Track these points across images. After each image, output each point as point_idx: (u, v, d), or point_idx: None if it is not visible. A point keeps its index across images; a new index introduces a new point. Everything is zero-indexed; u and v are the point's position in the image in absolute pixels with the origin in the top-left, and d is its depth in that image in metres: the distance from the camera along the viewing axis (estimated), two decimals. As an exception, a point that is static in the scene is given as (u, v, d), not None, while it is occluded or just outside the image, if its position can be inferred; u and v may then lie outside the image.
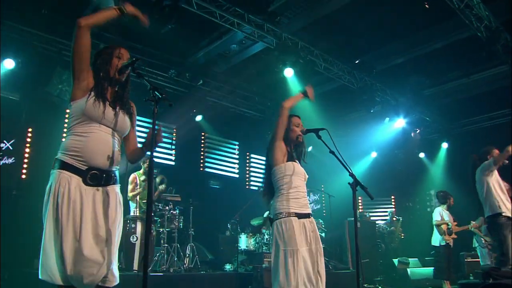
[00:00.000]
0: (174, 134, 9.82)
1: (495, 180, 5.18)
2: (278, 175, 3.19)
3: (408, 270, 8.93)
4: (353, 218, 9.44)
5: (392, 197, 12.72)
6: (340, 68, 8.73)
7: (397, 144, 11.09)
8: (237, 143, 11.15)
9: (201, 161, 10.39)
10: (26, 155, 7.24)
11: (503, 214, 5.00)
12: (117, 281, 2.41)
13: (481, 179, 5.24)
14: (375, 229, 9.77)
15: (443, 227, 7.33)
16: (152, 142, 2.44)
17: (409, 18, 7.32)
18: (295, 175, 3.14)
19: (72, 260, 2.25)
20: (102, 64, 2.56)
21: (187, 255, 6.88)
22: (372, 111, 9.60)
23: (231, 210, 8.51)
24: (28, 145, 7.30)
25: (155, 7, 6.12)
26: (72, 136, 2.43)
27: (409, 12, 7.11)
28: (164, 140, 9.61)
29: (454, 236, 7.40)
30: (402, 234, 10.71)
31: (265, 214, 7.73)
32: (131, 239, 6.10)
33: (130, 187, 6.77)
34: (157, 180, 6.88)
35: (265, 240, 7.73)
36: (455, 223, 7.53)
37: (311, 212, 3.21)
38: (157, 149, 9.22)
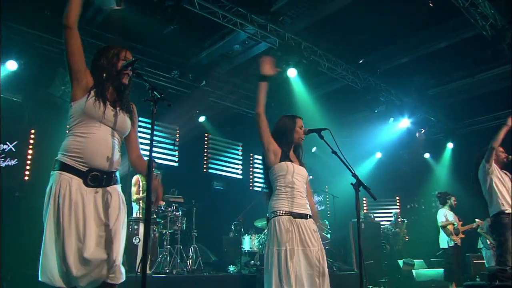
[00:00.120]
0: (177, 135, 9.80)
1: (496, 178, 5.11)
2: (273, 175, 3.17)
3: (413, 271, 8.86)
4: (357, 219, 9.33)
5: (397, 198, 12.65)
6: (343, 68, 8.67)
7: (401, 144, 11.02)
8: (240, 144, 11.12)
9: (205, 162, 10.36)
10: (29, 157, 7.25)
11: (506, 212, 4.94)
12: (123, 278, 2.39)
13: (482, 179, 5.19)
14: (379, 230, 9.70)
15: (449, 227, 7.26)
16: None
17: (413, 17, 7.25)
18: (290, 175, 3.10)
19: (77, 261, 2.23)
20: (105, 63, 2.53)
21: (190, 257, 6.85)
22: (376, 111, 9.53)
23: (235, 211, 8.47)
24: (31, 146, 7.30)
25: (157, 8, 6.10)
26: (72, 136, 2.40)
27: (413, 11, 7.05)
28: (167, 141, 9.59)
29: (461, 235, 7.33)
30: (407, 237, 10.63)
31: (268, 215, 7.68)
32: (133, 241, 6.08)
33: (133, 189, 6.76)
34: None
35: (268, 242, 7.67)
36: (461, 222, 7.46)
37: (309, 213, 3.14)
38: (160, 150, 9.33)
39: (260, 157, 11.17)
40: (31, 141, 7.33)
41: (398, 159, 11.68)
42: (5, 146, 6.93)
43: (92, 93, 2.42)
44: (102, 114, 2.41)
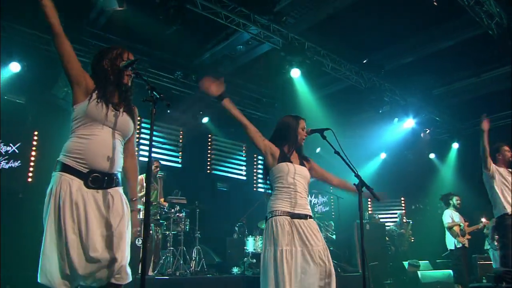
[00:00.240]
0: (181, 136, 9.79)
1: (499, 181, 5.06)
2: (272, 176, 3.16)
3: (419, 273, 8.76)
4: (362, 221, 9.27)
5: (402, 198, 12.56)
6: (347, 68, 8.62)
7: (406, 144, 10.94)
8: (244, 145, 11.08)
9: (208, 163, 10.34)
10: (32, 158, 7.26)
11: (509, 214, 4.89)
12: (129, 278, 2.36)
13: (486, 182, 5.14)
14: (384, 231, 9.63)
15: (456, 228, 7.18)
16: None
17: (418, 17, 7.20)
18: (289, 176, 3.07)
19: (82, 259, 2.22)
20: (107, 65, 2.51)
21: (193, 258, 6.82)
22: (380, 111, 9.48)
23: (239, 213, 8.45)
24: (34, 148, 7.32)
25: (160, 9, 6.09)
26: (74, 138, 2.38)
27: (418, 10, 6.99)
28: (171, 142, 9.59)
29: (468, 236, 7.24)
30: (412, 238, 10.54)
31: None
32: (136, 242, 6.05)
33: (137, 188, 6.72)
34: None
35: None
36: (467, 223, 7.38)
37: (309, 214, 3.10)
38: (164, 151, 9.31)
39: (264, 158, 11.21)
40: (34, 143, 7.35)
41: (403, 160, 11.60)
42: (8, 148, 6.95)
43: (94, 95, 2.41)
44: (104, 116, 2.39)
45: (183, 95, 9.11)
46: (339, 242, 9.09)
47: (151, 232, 6.44)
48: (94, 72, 2.53)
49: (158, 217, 6.71)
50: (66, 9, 6.70)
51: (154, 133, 8.83)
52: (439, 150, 11.56)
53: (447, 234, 7.33)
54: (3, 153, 6.89)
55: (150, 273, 6.29)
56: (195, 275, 6.52)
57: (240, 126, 3.22)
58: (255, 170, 11.28)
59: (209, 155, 10.39)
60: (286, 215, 3.00)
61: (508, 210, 4.87)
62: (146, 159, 2.34)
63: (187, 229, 6.98)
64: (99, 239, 2.26)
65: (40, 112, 7.28)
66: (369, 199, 12.07)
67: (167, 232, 6.64)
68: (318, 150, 9.89)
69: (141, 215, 6.67)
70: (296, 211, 3.03)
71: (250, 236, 7.74)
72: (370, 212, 11.54)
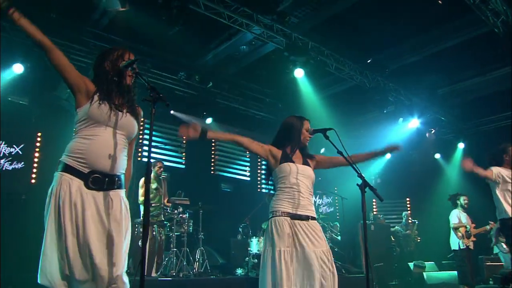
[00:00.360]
0: (184, 137, 9.75)
1: (502, 185, 4.99)
2: (275, 177, 3.18)
3: (424, 274, 8.68)
4: (367, 221, 9.23)
5: (407, 199, 12.46)
6: (351, 68, 8.56)
7: (411, 145, 10.84)
8: (248, 145, 11.02)
9: (212, 164, 10.31)
10: (36, 160, 7.27)
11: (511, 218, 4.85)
12: (127, 287, 2.33)
13: (490, 185, 5.08)
14: (389, 232, 9.55)
15: (461, 230, 7.10)
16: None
17: (422, 15, 7.13)
18: (292, 176, 3.07)
19: (80, 264, 2.20)
20: (109, 66, 2.50)
21: (197, 260, 6.80)
22: (385, 111, 9.43)
23: (243, 214, 8.41)
24: (37, 149, 7.33)
25: (162, 9, 6.07)
26: (77, 138, 2.38)
27: (422, 9, 6.93)
28: (173, 143, 9.57)
29: (473, 238, 7.16)
30: (418, 238, 10.46)
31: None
32: (139, 244, 6.03)
33: (140, 191, 6.76)
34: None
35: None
36: (473, 225, 7.29)
37: (311, 215, 3.08)
38: (167, 152, 9.29)
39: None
40: (38, 144, 7.36)
41: (408, 160, 11.49)
42: (11, 149, 6.96)
43: (96, 97, 2.40)
44: (107, 117, 2.38)
45: (186, 95, 9.10)
46: (344, 243, 9.04)
47: (154, 233, 6.42)
48: (96, 74, 2.52)
49: (162, 218, 6.69)
50: (68, 10, 6.78)
51: (158, 133, 8.83)
52: (444, 150, 11.46)
53: (452, 234, 7.27)
54: (7, 154, 6.90)
55: (154, 274, 6.27)
56: (198, 276, 6.50)
57: (235, 145, 3.26)
58: (259, 171, 11.24)
59: (213, 156, 10.37)
60: (286, 216, 3.00)
61: (509, 214, 4.83)
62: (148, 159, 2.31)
63: (191, 230, 6.95)
64: (95, 246, 2.23)
65: (44, 113, 7.29)
66: (373, 200, 12.05)
67: (170, 233, 6.62)
68: (322, 150, 9.80)
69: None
70: (297, 212, 3.02)
71: (254, 237, 7.70)
72: (375, 212, 11.46)
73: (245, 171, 10.96)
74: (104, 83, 2.46)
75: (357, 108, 10.44)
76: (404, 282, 8.75)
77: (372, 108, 9.69)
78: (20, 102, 7.18)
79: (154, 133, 8.95)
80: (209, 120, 9.47)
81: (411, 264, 9.13)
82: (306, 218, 3.04)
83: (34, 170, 7.23)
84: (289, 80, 8.60)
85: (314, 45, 7.78)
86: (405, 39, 7.94)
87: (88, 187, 2.31)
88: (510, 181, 4.89)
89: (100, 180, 2.34)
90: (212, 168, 10.28)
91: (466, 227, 7.13)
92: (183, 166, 9.56)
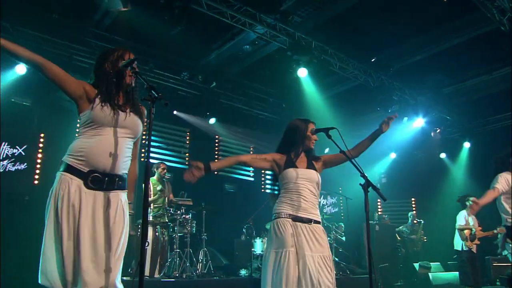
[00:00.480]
0: (188, 137, 9.74)
1: (506, 193, 4.90)
2: (279, 182, 3.21)
3: (430, 274, 8.62)
4: (372, 222, 9.19)
5: (413, 199, 12.38)
6: (355, 67, 8.49)
7: (416, 144, 10.78)
8: (251, 146, 11.00)
9: (216, 164, 10.25)
10: (39, 161, 7.27)
11: None
12: None
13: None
14: (394, 233, 9.48)
15: (466, 232, 7.02)
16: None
17: (427, 13, 7.06)
18: (293, 180, 3.09)
19: (71, 267, 2.18)
20: (110, 67, 2.48)
21: (200, 261, 6.76)
22: (390, 110, 9.35)
23: (247, 214, 8.37)
24: (40, 150, 7.32)
25: (164, 9, 6.04)
26: (80, 138, 2.37)
27: (427, 7, 6.86)
28: (176, 143, 9.55)
29: (477, 242, 7.07)
30: (425, 238, 10.37)
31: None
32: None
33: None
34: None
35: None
36: (480, 228, 7.20)
37: (314, 219, 3.07)
38: (170, 152, 9.27)
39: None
40: (41, 145, 7.35)
41: (413, 160, 11.44)
42: (14, 150, 6.95)
43: (97, 99, 2.38)
44: (111, 118, 2.36)
45: (190, 96, 9.08)
46: (348, 244, 8.98)
47: (157, 234, 6.39)
48: (97, 75, 2.50)
49: (166, 219, 6.66)
50: (70, 10, 6.77)
51: (161, 134, 8.77)
52: (450, 149, 11.37)
53: (456, 234, 7.20)
54: (10, 155, 6.89)
55: (156, 275, 6.24)
56: (201, 277, 6.46)
57: (240, 165, 3.39)
58: (262, 171, 11.18)
59: (216, 156, 10.33)
60: (288, 218, 3.02)
61: (509, 223, 4.76)
62: (152, 161, 2.29)
63: (194, 231, 6.92)
64: (85, 251, 2.19)
65: (46, 114, 7.29)
66: (378, 200, 11.97)
67: (174, 234, 6.58)
68: (326, 150, 9.78)
69: (149, 217, 6.67)
70: (298, 214, 3.03)
71: (258, 237, 7.66)
72: (379, 213, 11.37)
73: (249, 171, 10.91)
74: (104, 84, 2.44)
75: (361, 108, 10.37)
76: (409, 283, 8.69)
77: (376, 107, 9.62)
78: (23, 103, 7.18)
79: (157, 133, 8.97)
80: (212, 120, 9.45)
81: (416, 265, 9.07)
82: (308, 221, 3.04)
83: (37, 171, 7.22)
84: (292, 80, 8.56)
85: (317, 44, 7.72)
86: (409, 38, 7.87)
87: (87, 187, 2.29)
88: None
89: (100, 180, 2.32)
90: (215, 168, 10.23)
91: (471, 229, 7.05)
92: (186, 167, 9.52)
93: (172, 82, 8.61)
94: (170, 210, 6.65)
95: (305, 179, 3.10)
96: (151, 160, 7.37)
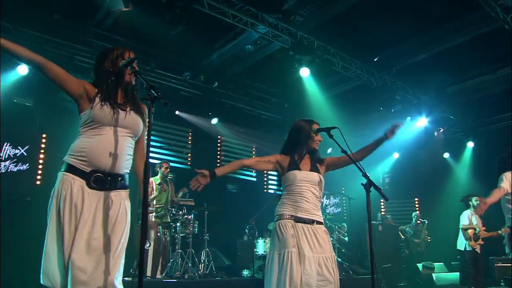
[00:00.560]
0: (190, 138, 9.73)
1: (509, 194, 4.86)
2: (282, 184, 3.24)
3: (433, 275, 8.57)
4: (374, 222, 9.14)
5: (416, 199, 12.32)
6: (358, 67, 8.45)
7: (420, 144, 10.73)
8: (254, 146, 10.97)
9: (218, 164, 10.24)
10: (41, 161, 7.26)
11: None
12: None
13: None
14: (397, 233, 9.43)
15: (470, 232, 6.97)
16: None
17: (430, 12, 7.01)
18: (295, 183, 3.12)
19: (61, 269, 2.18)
20: (109, 66, 2.48)
21: (202, 261, 6.74)
22: (392, 110, 9.32)
23: (249, 214, 8.35)
24: (42, 151, 7.31)
25: (165, 9, 6.03)
26: (81, 138, 2.37)
27: (430, 5, 6.81)
28: (179, 143, 9.53)
29: (481, 242, 7.02)
30: (429, 238, 10.32)
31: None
32: (145, 246, 5.99)
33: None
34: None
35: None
36: (484, 228, 7.15)
37: (316, 219, 3.09)
38: (172, 152, 9.26)
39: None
40: (43, 146, 7.34)
41: (416, 160, 11.39)
42: (16, 151, 6.95)
43: (97, 99, 2.38)
44: (110, 117, 2.35)
45: (192, 96, 9.06)
46: (351, 244, 8.95)
47: (158, 234, 6.38)
48: (96, 74, 2.50)
49: (168, 220, 6.65)
50: (72, 11, 6.77)
51: (163, 134, 8.75)
52: (453, 149, 11.32)
53: (460, 234, 7.16)
54: (11, 156, 6.89)
55: (158, 275, 6.23)
56: (203, 277, 6.45)
57: (246, 154, 3.39)
58: (265, 172, 11.17)
59: (218, 157, 10.31)
60: (289, 219, 3.04)
61: None
62: (154, 161, 2.29)
63: (196, 232, 6.90)
64: (82, 250, 2.18)
65: (48, 114, 7.28)
66: (381, 200, 11.92)
67: (176, 235, 6.57)
68: (329, 150, 9.74)
69: (151, 217, 6.68)
70: (300, 215, 3.04)
71: (260, 238, 7.65)
72: (382, 213, 11.33)
73: (251, 171, 10.88)
74: (104, 83, 2.44)
75: (364, 107, 10.34)
76: (412, 283, 8.64)
77: (379, 107, 9.58)
78: (25, 103, 7.18)
79: (159, 134, 8.96)
80: (214, 121, 9.43)
81: (420, 265, 9.02)
82: (311, 221, 3.05)
83: (39, 172, 7.22)
84: (294, 80, 8.54)
85: (319, 44, 7.69)
86: (412, 37, 7.82)
87: (90, 187, 2.28)
88: None
89: (102, 179, 2.31)
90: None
91: (475, 229, 7.00)
92: (188, 167, 9.52)
93: (174, 82, 8.60)
94: (172, 210, 6.64)
95: (307, 181, 3.11)
96: (154, 161, 7.37)
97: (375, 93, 9.07)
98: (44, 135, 7.39)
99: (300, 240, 2.95)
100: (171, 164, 8.52)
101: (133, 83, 2.53)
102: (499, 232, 7.12)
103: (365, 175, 2.84)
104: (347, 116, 9.38)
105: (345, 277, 7.28)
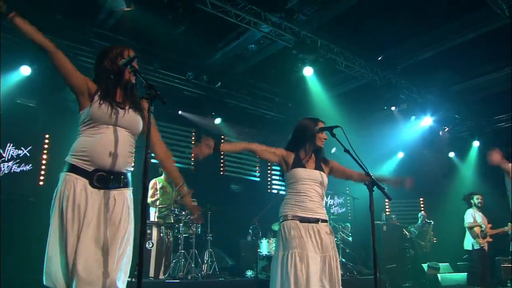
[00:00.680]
0: (193, 138, 9.70)
1: None
2: (286, 181, 3.24)
3: (439, 275, 8.51)
4: (379, 222, 9.06)
5: (421, 199, 12.24)
6: (362, 66, 8.40)
7: (424, 143, 10.65)
8: (258, 145, 10.92)
9: (221, 164, 10.23)
10: (43, 162, 7.26)
11: None
12: None
13: (507, 187, 4.91)
14: (402, 233, 9.37)
15: (476, 229, 6.91)
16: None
17: (434, 10, 6.95)
18: (298, 181, 3.11)
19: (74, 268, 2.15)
20: (109, 64, 2.48)
21: (205, 262, 6.72)
22: (397, 109, 9.26)
23: (253, 215, 8.31)
24: (45, 151, 7.31)
25: (168, 8, 6.00)
26: (81, 137, 2.38)
27: (434, 3, 6.76)
28: (181, 143, 9.51)
29: (489, 239, 6.95)
30: (434, 239, 10.24)
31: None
32: (146, 245, 5.98)
33: (150, 192, 6.75)
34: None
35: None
36: (490, 225, 7.08)
37: (321, 218, 3.10)
38: (175, 152, 9.23)
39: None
40: (46, 146, 7.34)
41: (421, 159, 11.29)
42: (19, 151, 6.95)
43: (96, 97, 2.38)
44: (109, 115, 2.36)
45: (195, 96, 9.04)
46: (355, 244, 8.89)
47: (161, 234, 6.35)
48: (96, 73, 2.51)
49: (172, 220, 6.62)
50: (74, 11, 6.75)
51: (165, 134, 8.70)
52: (459, 148, 11.23)
53: (467, 234, 7.10)
54: (15, 156, 6.89)
55: (161, 276, 6.21)
56: (206, 278, 6.42)
57: (249, 153, 3.37)
58: (269, 171, 11.11)
59: (222, 156, 10.28)
60: (294, 219, 3.04)
61: None
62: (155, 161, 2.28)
63: (199, 232, 6.87)
64: (89, 250, 2.17)
65: (51, 115, 7.28)
66: (386, 200, 11.83)
67: (178, 235, 6.54)
68: (333, 150, 9.69)
69: (154, 218, 6.67)
70: (305, 215, 3.04)
71: (264, 238, 7.61)
72: (387, 213, 11.25)
73: (255, 171, 10.85)
74: (103, 82, 2.45)
75: (368, 107, 10.28)
76: (418, 284, 8.59)
77: (383, 106, 9.53)
78: (28, 104, 7.18)
79: (161, 134, 8.93)
80: (218, 120, 9.40)
81: (425, 266, 8.96)
82: (315, 220, 3.06)
83: (42, 172, 7.21)
84: (298, 79, 8.50)
85: (323, 43, 7.65)
86: (416, 36, 7.75)
87: (93, 186, 2.29)
88: None
89: (105, 178, 2.32)
90: (221, 168, 10.19)
91: (481, 226, 6.93)
92: (192, 167, 9.50)
93: (177, 82, 8.58)
94: (175, 210, 6.61)
95: (311, 179, 3.12)
96: (156, 161, 7.33)
97: (379, 92, 9.04)
98: (47, 136, 7.38)
99: (304, 241, 2.95)
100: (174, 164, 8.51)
101: (133, 81, 2.53)
102: (505, 229, 7.05)
103: (368, 175, 2.82)
104: (351, 115, 9.32)
105: (349, 277, 7.23)
